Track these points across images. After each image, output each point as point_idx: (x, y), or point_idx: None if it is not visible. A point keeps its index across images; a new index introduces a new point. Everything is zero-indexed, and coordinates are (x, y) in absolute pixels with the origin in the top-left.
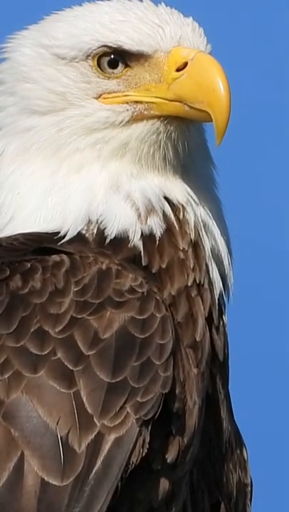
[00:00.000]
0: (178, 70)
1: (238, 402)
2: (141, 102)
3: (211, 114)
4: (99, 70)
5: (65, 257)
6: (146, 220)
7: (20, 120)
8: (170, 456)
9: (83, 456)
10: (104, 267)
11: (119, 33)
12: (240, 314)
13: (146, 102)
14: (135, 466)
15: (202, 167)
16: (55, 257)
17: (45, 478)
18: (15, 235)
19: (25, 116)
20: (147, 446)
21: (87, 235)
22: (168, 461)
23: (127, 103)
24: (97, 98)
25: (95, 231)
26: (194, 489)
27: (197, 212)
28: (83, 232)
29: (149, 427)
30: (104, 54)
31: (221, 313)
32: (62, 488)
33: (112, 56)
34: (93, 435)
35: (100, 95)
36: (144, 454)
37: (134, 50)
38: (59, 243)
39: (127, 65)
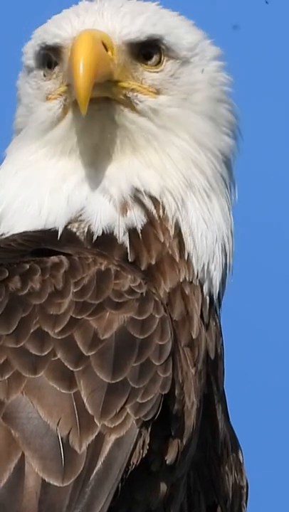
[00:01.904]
0: None
1: (233, 404)
2: (62, 94)
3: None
4: (44, 73)
5: (63, 258)
6: (126, 213)
7: (11, 143)
8: (169, 458)
9: (84, 456)
10: (103, 267)
11: (46, 31)
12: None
13: (63, 93)
14: (134, 468)
15: (161, 150)
16: (54, 258)
17: (46, 479)
18: (12, 236)
19: (14, 137)
20: (147, 447)
21: (78, 235)
22: (167, 462)
23: (56, 98)
24: (45, 101)
25: (85, 231)
26: (191, 491)
27: (172, 206)
28: (77, 233)
29: (149, 428)
30: (45, 56)
31: (211, 311)
32: (63, 489)
33: (48, 57)
34: (94, 436)
35: (47, 97)
36: (144, 455)
37: (52, 44)
38: (57, 244)
39: (56, 63)
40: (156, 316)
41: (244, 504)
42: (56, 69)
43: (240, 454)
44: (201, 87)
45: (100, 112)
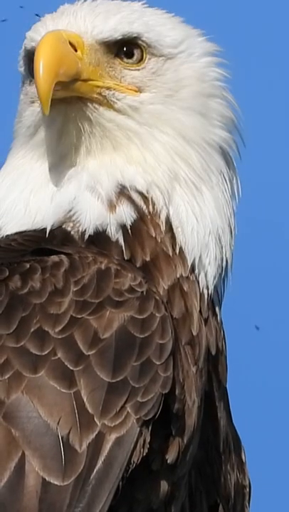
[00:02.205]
0: None
1: (235, 403)
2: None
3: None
4: (29, 78)
5: (64, 257)
6: (115, 210)
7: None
8: (170, 457)
9: (84, 455)
10: (103, 266)
11: (27, 37)
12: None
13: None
14: (135, 467)
15: (144, 147)
16: (54, 258)
17: (47, 478)
18: (13, 236)
19: (14, 143)
20: (148, 446)
21: (74, 236)
22: (168, 461)
23: (35, 101)
24: (31, 106)
25: (80, 230)
26: (192, 490)
27: (160, 201)
28: (71, 232)
29: (150, 427)
30: (30, 61)
31: (210, 305)
32: (63, 488)
33: (30, 61)
34: (94, 435)
35: (32, 101)
36: (144, 454)
37: (30, 48)
38: (54, 244)
39: None
40: (157, 314)
41: (247, 504)
42: None
43: (242, 453)
44: (189, 83)
45: (75, 112)
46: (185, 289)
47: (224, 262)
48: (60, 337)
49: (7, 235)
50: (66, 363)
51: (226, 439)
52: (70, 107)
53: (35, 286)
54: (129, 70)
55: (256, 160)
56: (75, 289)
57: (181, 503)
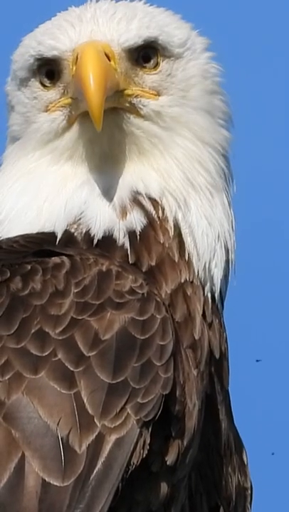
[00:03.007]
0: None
1: (237, 405)
2: (66, 105)
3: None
4: (41, 83)
5: (65, 258)
6: (126, 216)
7: (7, 149)
8: (170, 459)
9: (84, 456)
10: (104, 268)
11: (42, 43)
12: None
13: (67, 104)
14: (135, 467)
15: (166, 152)
16: (56, 259)
17: (46, 479)
18: (15, 238)
19: (10, 144)
20: (148, 447)
21: (78, 237)
22: (168, 463)
23: (60, 109)
24: (45, 111)
25: (83, 232)
26: (192, 492)
27: (172, 206)
28: (74, 234)
29: (150, 429)
30: (41, 66)
31: (214, 309)
32: (63, 489)
33: (46, 68)
34: (94, 436)
35: (47, 107)
36: (144, 455)
37: (51, 56)
38: (56, 246)
39: (58, 74)
40: (158, 316)
41: (248, 506)
42: (56, 80)
43: (244, 455)
44: (196, 82)
45: (108, 122)
46: (188, 293)
47: (229, 265)
48: (60, 338)
49: (9, 238)
50: (67, 364)
51: (228, 441)
52: (104, 117)
53: (36, 288)
54: (149, 74)
55: (251, 156)
56: (75, 291)
57: (181, 505)
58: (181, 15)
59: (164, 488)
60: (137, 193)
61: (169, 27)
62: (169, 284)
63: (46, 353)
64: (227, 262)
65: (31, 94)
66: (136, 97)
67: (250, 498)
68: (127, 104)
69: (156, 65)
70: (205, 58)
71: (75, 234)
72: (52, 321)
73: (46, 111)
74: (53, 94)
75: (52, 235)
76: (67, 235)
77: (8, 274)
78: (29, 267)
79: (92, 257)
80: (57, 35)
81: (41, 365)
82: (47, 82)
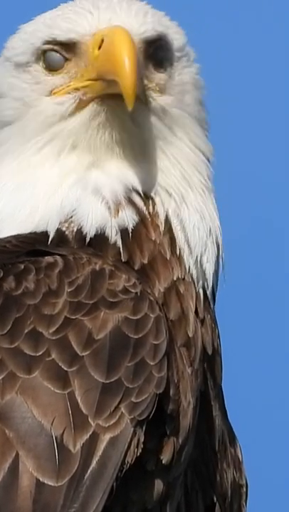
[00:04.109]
0: (99, 48)
1: (232, 401)
2: (78, 89)
3: (118, 83)
4: (46, 68)
5: (58, 258)
6: (118, 214)
7: (4, 134)
8: (165, 457)
9: (78, 456)
10: (97, 267)
11: (53, 26)
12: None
13: (82, 87)
14: (130, 466)
15: (160, 150)
16: (49, 258)
17: (41, 479)
18: (7, 238)
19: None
20: (142, 446)
21: (69, 236)
22: (163, 462)
23: (69, 93)
24: (48, 96)
25: (74, 231)
26: (188, 490)
27: (166, 202)
28: (66, 232)
29: (144, 428)
30: (47, 51)
31: (206, 305)
32: (57, 489)
33: (54, 51)
34: (88, 435)
35: (51, 92)
36: (138, 454)
37: (65, 39)
38: (49, 245)
39: (66, 59)
40: (151, 315)
41: (244, 503)
42: (66, 64)
43: (238, 451)
44: (189, 89)
45: (121, 108)
46: (181, 291)
47: (220, 261)
48: (54, 338)
49: (1, 238)
50: (60, 364)
51: (222, 437)
52: (118, 103)
53: (29, 287)
54: (157, 72)
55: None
56: (69, 290)
57: (177, 503)
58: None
59: (159, 486)
60: (133, 189)
61: (171, 29)
62: (162, 282)
63: (40, 353)
64: (218, 257)
65: (32, 78)
66: (148, 89)
67: (245, 495)
68: (142, 94)
69: (162, 64)
70: (196, 68)
71: (67, 233)
72: (45, 321)
73: (50, 95)
74: (59, 78)
75: (44, 234)
76: (59, 234)
77: (1, 274)
78: (22, 267)
79: (86, 256)
80: (74, 20)
81: (35, 365)
82: (53, 67)
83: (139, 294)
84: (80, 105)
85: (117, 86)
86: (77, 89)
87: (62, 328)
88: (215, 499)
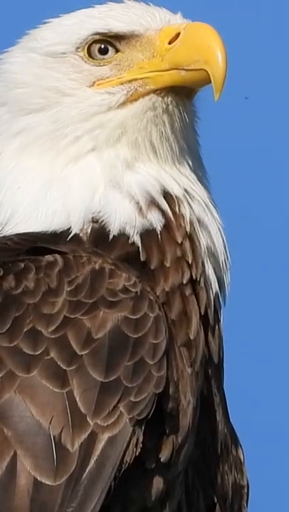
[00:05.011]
0: (170, 43)
1: (234, 403)
2: (135, 80)
3: (207, 71)
4: (90, 58)
5: (58, 256)
6: (147, 215)
7: (15, 123)
8: (163, 456)
9: (76, 455)
10: (97, 266)
11: (108, 19)
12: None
13: (141, 79)
14: (129, 465)
15: (195, 156)
16: (49, 257)
17: (38, 478)
18: (9, 235)
19: (19, 118)
20: (141, 445)
21: (80, 234)
22: (161, 460)
23: (122, 84)
24: (90, 86)
25: (89, 229)
26: (189, 489)
27: (193, 206)
28: (84, 230)
29: (143, 427)
30: (94, 42)
31: (216, 314)
32: (55, 488)
33: (102, 43)
34: (86, 434)
35: (94, 83)
36: (137, 454)
37: (126, 31)
38: (56, 242)
39: (117, 50)
40: (151, 314)
41: (245, 504)
42: (116, 56)
43: (240, 453)
44: None
45: (182, 104)
46: (186, 293)
47: (229, 267)
48: (53, 337)
49: (4, 235)
50: (59, 363)
51: (224, 440)
52: (181, 98)
53: (29, 286)
54: None
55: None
56: (68, 289)
57: (178, 502)
58: None
59: (158, 484)
60: (165, 192)
61: None
62: (169, 282)
63: (39, 352)
64: (228, 264)
65: (71, 68)
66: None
67: (246, 496)
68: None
69: None
70: None
71: (80, 233)
72: (45, 320)
73: (92, 85)
74: (105, 70)
75: (48, 232)
76: (75, 233)
77: (1, 273)
78: (22, 265)
79: (85, 255)
80: (134, 14)
81: (34, 364)
82: (99, 58)
83: (139, 293)
84: (133, 97)
85: (201, 75)
86: (132, 80)
87: (62, 327)
88: (216, 500)
